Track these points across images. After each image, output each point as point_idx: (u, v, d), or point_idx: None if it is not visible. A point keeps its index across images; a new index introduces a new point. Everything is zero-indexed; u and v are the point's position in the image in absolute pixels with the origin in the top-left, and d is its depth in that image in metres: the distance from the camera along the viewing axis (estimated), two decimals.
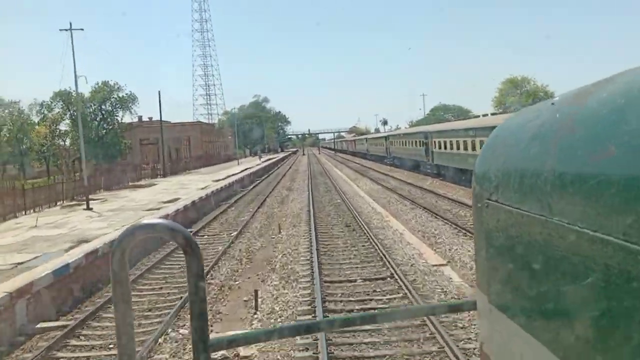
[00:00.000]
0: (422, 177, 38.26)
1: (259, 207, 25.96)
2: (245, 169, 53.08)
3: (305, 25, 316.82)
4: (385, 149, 57.48)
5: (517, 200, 1.12)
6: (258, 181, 44.05)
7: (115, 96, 58.23)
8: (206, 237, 19.03)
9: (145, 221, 1.19)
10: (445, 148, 33.69)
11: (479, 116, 39.34)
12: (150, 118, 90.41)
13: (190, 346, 1.28)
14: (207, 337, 1.20)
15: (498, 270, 1.24)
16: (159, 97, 52.06)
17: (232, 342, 1.35)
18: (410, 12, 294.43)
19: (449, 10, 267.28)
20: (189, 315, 1.35)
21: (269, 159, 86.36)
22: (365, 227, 17.93)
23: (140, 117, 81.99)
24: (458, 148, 31.40)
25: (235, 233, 19.00)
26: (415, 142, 42.45)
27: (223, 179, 38.78)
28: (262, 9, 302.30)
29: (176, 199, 25.15)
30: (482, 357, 1.39)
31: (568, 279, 0.93)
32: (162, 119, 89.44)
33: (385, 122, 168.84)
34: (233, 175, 43.74)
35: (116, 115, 59.33)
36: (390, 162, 55.30)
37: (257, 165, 63.59)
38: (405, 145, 46.92)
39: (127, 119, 63.06)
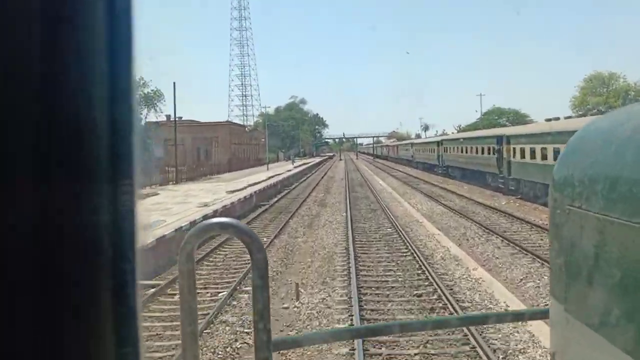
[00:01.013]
0: (492, 194, 29.84)
1: (275, 236, 18.36)
2: (273, 176, 45.79)
3: (347, 26, 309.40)
4: (436, 157, 49.09)
5: (606, 207, 1.07)
6: (285, 191, 36.55)
7: (140, 93, 53.18)
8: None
9: (213, 220, 1.26)
10: (530, 157, 25.23)
11: (532, 121, 30.84)
12: (180, 118, 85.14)
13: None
14: (270, 336, 1.22)
15: (578, 278, 1.21)
16: (174, 90, 45.11)
17: (295, 343, 1.53)
18: (457, 12, 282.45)
19: (497, 9, 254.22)
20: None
21: (304, 164, 79.09)
22: (451, 301, 9.99)
23: (168, 116, 76.73)
24: (545, 158, 23.06)
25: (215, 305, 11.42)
26: (482, 149, 33.91)
27: (241, 190, 31.46)
28: (302, 9, 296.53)
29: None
30: None
31: None
32: (190, 119, 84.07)
33: (426, 128, 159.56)
34: (256, 184, 36.41)
35: (140, 113, 54.39)
36: (442, 172, 46.89)
37: (288, 171, 56.22)
38: (466, 152, 38.39)
39: (152, 117, 57.70)
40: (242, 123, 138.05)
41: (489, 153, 32.24)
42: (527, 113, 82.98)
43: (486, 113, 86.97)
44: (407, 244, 15.66)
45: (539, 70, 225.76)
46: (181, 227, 16.07)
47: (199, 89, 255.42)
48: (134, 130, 0.61)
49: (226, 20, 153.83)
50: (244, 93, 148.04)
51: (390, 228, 19.04)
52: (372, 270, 13.02)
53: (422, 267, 12.81)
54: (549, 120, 32.06)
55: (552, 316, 1.36)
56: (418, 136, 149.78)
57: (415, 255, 14.23)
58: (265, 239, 17.82)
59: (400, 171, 60.70)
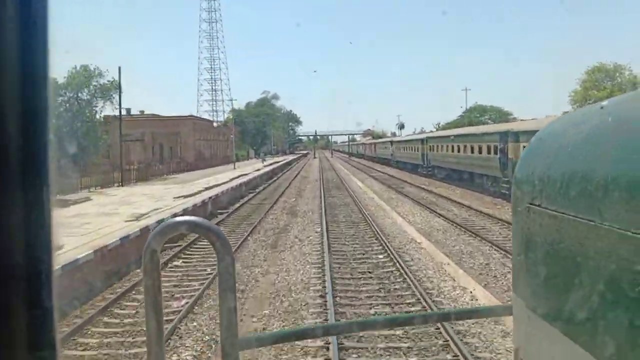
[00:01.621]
0: (493, 201, 25.21)
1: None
2: (239, 176, 40.41)
3: (319, 24, 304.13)
4: (420, 156, 44.37)
5: (564, 205, 1.10)
6: (250, 195, 31.24)
7: (95, 83, 47.07)
8: None
9: (180, 219, 1.21)
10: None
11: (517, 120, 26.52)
12: (142, 112, 78.61)
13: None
14: (236, 336, 1.21)
15: (539, 275, 1.22)
16: (119, 76, 39.14)
17: (261, 341, 1.39)
18: (431, 11, 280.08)
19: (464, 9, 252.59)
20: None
21: (275, 162, 73.71)
22: None
23: (128, 110, 70.40)
24: None
25: None
26: (479, 147, 29.19)
27: (194, 194, 26.04)
28: (274, 4, 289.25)
29: None
30: None
31: (618, 285, 0.91)
32: (152, 112, 77.49)
33: (402, 126, 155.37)
34: (216, 186, 31.02)
35: (95, 106, 48.37)
36: (427, 173, 42.23)
37: (257, 170, 50.81)
38: (458, 151, 33.69)
39: (109, 111, 51.69)
40: (211, 119, 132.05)
41: (488, 152, 27.55)
42: (510, 111, 79.44)
43: (468, 111, 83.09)
44: (412, 287, 10.64)
45: (521, 68, 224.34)
46: (76, 259, 10.56)
47: (167, 83, 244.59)
48: (48, 123, 0.56)
49: (196, 11, 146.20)
50: (213, 87, 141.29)
51: (382, 254, 14.00)
52: (365, 343, 7.94)
53: (448, 338, 7.79)
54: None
55: (515, 312, 1.39)
56: (393, 134, 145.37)
57: (427, 305, 9.25)
58: (209, 271, 12.61)
59: (379, 171, 55.90)
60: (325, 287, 10.73)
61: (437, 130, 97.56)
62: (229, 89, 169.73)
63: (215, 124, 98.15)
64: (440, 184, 36.06)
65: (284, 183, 41.59)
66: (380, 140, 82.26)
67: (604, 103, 1.16)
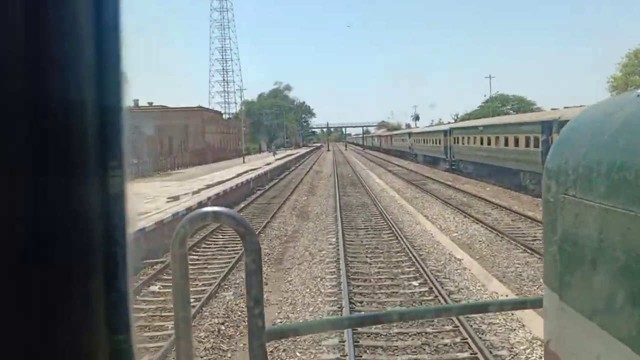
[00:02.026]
0: (534, 201, 21.71)
1: (213, 295, 10.03)
2: (247, 171, 37.42)
3: (335, 15, 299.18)
4: (443, 149, 40.87)
5: (602, 195, 1.08)
6: (257, 194, 28.17)
7: None
8: None
9: (207, 209, 1.26)
10: None
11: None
12: (151, 103, 76.00)
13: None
14: (263, 325, 1.23)
15: (574, 267, 1.21)
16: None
17: (289, 332, 1.52)
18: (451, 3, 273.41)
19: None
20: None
21: (288, 155, 70.65)
22: None
23: (136, 102, 67.84)
24: None
25: None
26: (516, 139, 25.69)
27: (192, 193, 23.04)
28: None
29: None
30: (547, 355, 1.37)
31: None
32: (162, 104, 74.76)
33: (417, 118, 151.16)
34: (219, 183, 28.06)
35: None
36: (450, 167, 38.78)
37: (268, 164, 47.79)
38: (488, 143, 30.20)
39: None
40: (222, 110, 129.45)
41: (527, 145, 24.05)
42: (534, 100, 75.21)
43: (489, 100, 78.95)
44: (470, 343, 7.40)
45: (545, 57, 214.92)
46: None
47: (178, 73, 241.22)
48: (123, 116, 0.60)
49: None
50: (225, 79, 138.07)
51: (416, 279, 10.77)
52: None
53: None
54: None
55: (547, 305, 1.36)
56: (408, 126, 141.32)
57: None
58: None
59: (397, 165, 52.49)
60: (343, 342, 7.53)
61: (455, 121, 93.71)
62: (241, 80, 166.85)
63: (226, 116, 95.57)
64: (467, 180, 32.63)
65: (296, 179, 38.46)
66: (397, 132, 78.53)
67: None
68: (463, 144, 35.97)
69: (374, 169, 47.56)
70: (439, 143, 42.11)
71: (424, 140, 49.82)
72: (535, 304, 1.62)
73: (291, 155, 72.49)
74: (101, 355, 0.57)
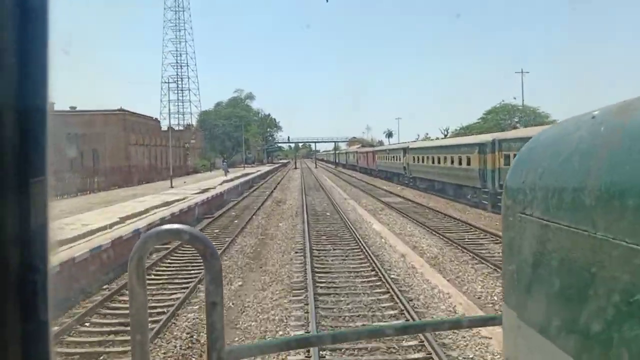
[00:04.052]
0: None
1: None
2: (155, 208, 21.97)
3: (299, 26, 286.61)
4: (477, 173, 25.76)
5: (556, 215, 1.11)
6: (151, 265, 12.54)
7: None
8: None
9: (165, 227, 1.19)
10: None
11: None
12: (73, 107, 59.44)
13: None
14: (222, 346, 1.19)
15: (531, 285, 1.23)
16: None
17: (248, 351, 1.38)
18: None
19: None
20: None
21: (244, 175, 55.17)
22: None
23: (51, 105, 51.25)
24: None
25: None
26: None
27: None
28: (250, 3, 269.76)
29: None
30: None
31: (613, 296, 0.91)
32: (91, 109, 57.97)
33: (390, 135, 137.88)
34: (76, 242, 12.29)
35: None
36: (487, 201, 24.10)
37: (204, 192, 32.32)
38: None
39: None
40: (177, 122, 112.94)
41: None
42: (547, 112, 62.00)
43: (489, 112, 65.66)
44: None
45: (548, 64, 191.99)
46: None
47: (128, 77, 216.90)
48: (47, 125, 0.56)
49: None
50: (179, 86, 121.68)
51: None
52: None
53: None
54: None
55: (506, 323, 1.38)
56: (381, 143, 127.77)
57: None
58: None
59: (389, 192, 37.74)
60: None
61: (445, 136, 79.99)
62: (198, 89, 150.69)
63: (179, 128, 79.45)
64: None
65: (243, 218, 23.16)
66: (383, 147, 63.56)
67: (596, 112, 1.16)
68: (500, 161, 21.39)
69: (359, 199, 32.57)
70: (468, 163, 27.16)
71: (435, 158, 34.74)
72: (495, 321, 1.53)
73: (248, 175, 57.04)
74: None
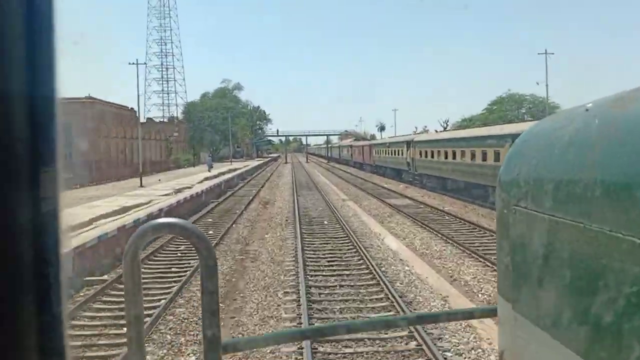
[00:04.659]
0: None
1: None
2: (103, 219, 17.00)
3: (295, 20, 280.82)
4: (494, 169, 21.29)
5: (551, 207, 1.09)
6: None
7: None
8: None
9: (160, 220, 1.20)
10: None
11: None
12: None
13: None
14: (219, 337, 1.18)
15: (526, 277, 1.21)
16: None
17: (245, 344, 1.42)
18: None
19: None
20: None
21: (230, 171, 50.13)
22: None
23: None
24: None
25: None
26: None
27: None
28: None
29: None
30: None
31: (607, 287, 0.90)
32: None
33: (382, 128, 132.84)
34: None
35: None
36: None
37: (175, 195, 27.38)
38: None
39: None
40: (162, 113, 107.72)
41: None
42: (558, 103, 57.54)
43: (494, 103, 61.07)
44: None
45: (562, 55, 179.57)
46: None
47: (111, 67, 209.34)
48: (56, 115, 0.55)
49: None
50: (164, 77, 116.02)
51: None
52: None
53: None
54: None
55: (501, 315, 1.36)
56: (373, 137, 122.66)
57: None
58: None
59: (393, 192, 32.96)
60: None
61: (445, 129, 75.20)
62: (184, 79, 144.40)
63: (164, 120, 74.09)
64: None
65: (214, 231, 18.20)
66: (382, 141, 58.64)
67: (589, 105, 1.14)
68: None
69: (360, 201, 27.74)
70: (492, 159, 22.50)
71: (446, 152, 29.80)
72: (490, 313, 1.55)
73: (236, 169, 52.02)
74: None
